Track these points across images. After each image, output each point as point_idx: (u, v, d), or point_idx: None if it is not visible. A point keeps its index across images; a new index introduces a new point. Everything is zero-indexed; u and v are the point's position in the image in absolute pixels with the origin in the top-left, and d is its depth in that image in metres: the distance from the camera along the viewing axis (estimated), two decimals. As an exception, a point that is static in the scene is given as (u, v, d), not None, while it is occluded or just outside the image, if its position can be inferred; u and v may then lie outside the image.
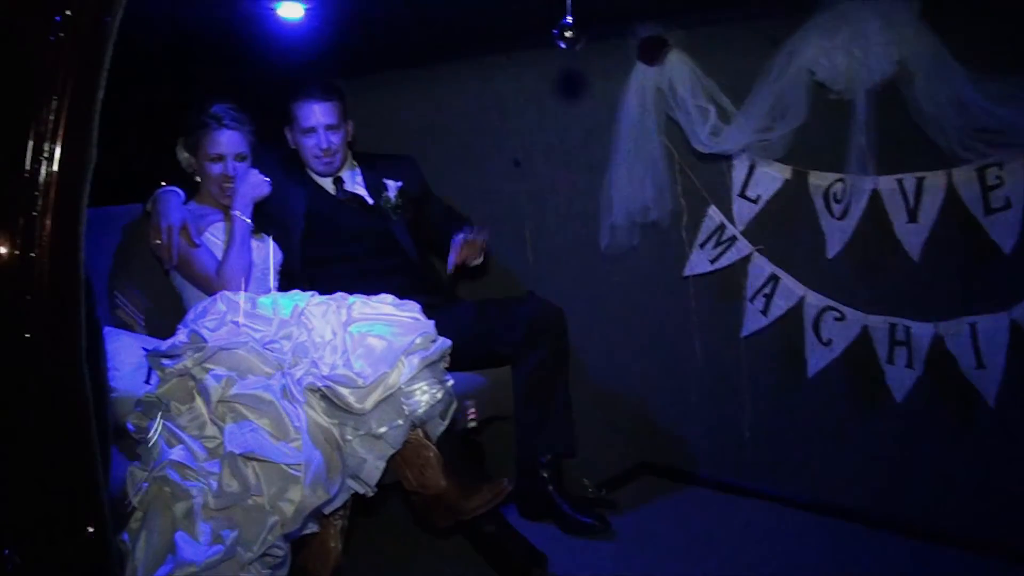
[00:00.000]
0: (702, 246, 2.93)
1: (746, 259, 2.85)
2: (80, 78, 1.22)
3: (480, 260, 3.00)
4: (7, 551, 1.15)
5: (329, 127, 3.01)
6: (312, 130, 3.01)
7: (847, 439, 2.75)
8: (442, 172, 3.39)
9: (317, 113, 3.00)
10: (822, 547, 2.64)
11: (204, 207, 2.83)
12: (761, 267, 2.82)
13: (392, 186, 3.09)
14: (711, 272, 2.94)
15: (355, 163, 3.17)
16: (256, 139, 2.87)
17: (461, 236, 2.90)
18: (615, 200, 2.97)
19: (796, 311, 2.76)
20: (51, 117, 1.21)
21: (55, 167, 1.21)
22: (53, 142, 1.21)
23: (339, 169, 3.11)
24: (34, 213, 1.19)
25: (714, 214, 2.89)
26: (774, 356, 2.87)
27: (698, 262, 2.95)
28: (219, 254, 2.72)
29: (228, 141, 2.78)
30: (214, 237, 2.76)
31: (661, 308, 3.10)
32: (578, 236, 3.19)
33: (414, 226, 3.13)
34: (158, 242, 2.64)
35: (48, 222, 1.21)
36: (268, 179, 2.85)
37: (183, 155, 2.86)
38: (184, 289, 2.73)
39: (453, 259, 2.90)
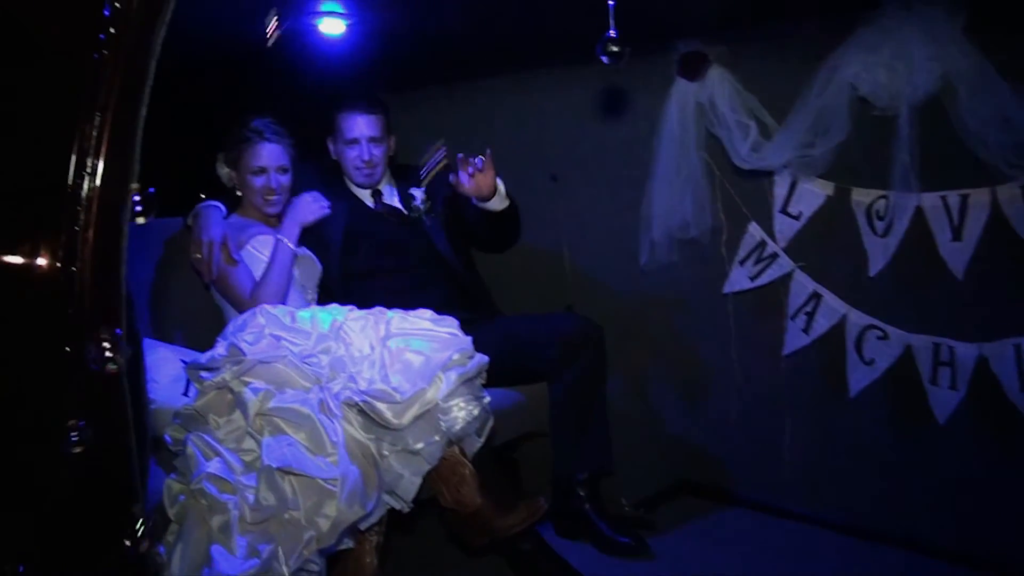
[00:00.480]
0: (742, 263, 2.90)
1: (787, 276, 2.81)
2: (123, 95, 1.24)
3: (506, 203, 2.98)
4: (21, 567, 1.16)
5: (372, 139, 3.05)
6: (355, 141, 3.05)
7: (888, 460, 2.70)
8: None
9: (361, 125, 3.04)
10: (862, 571, 2.59)
11: (246, 219, 2.87)
12: (803, 284, 2.78)
13: (416, 193, 3.11)
14: (751, 289, 2.90)
15: (392, 178, 3.20)
16: (296, 152, 2.91)
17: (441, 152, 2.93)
18: (654, 216, 2.96)
19: (838, 329, 2.72)
20: (94, 133, 1.23)
21: (97, 182, 1.23)
22: (96, 158, 1.23)
23: (379, 182, 3.14)
24: (76, 227, 1.21)
25: (755, 231, 2.86)
26: (815, 375, 2.82)
27: (738, 279, 2.92)
28: (260, 268, 2.75)
29: (270, 154, 2.83)
30: (255, 251, 2.78)
31: (700, 325, 3.07)
32: (617, 252, 3.18)
33: (453, 231, 3.14)
34: (198, 256, 2.68)
35: (90, 236, 1.22)
36: (327, 204, 2.89)
37: (223, 170, 2.91)
38: (224, 303, 2.76)
39: (465, 180, 2.89)
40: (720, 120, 2.76)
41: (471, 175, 2.89)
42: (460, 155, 2.90)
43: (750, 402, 3.00)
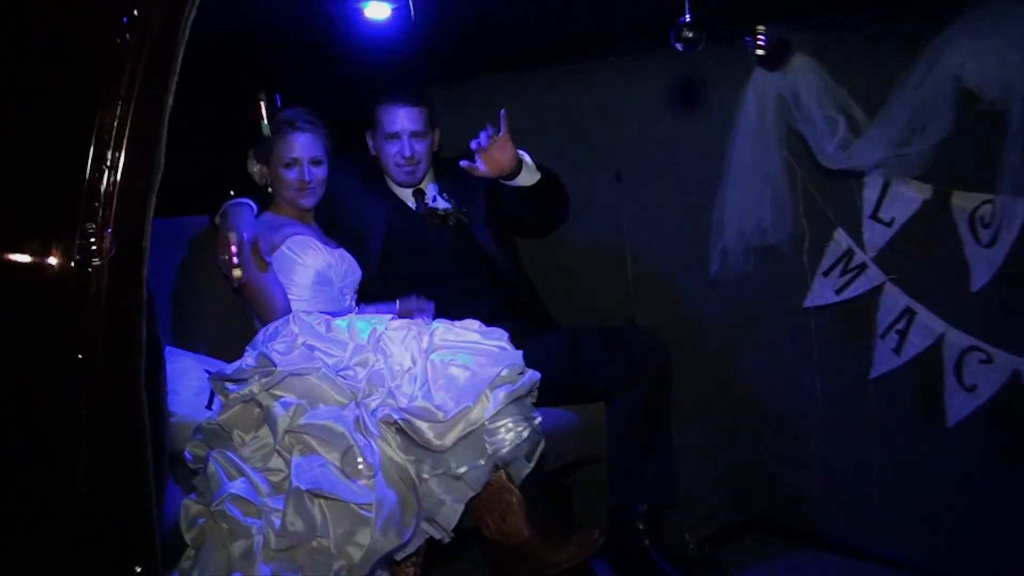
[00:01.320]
0: (826, 274, 2.86)
1: (877, 290, 2.77)
2: (148, 82, 1.26)
3: (538, 175, 2.94)
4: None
5: (415, 134, 3.06)
6: (396, 136, 3.06)
7: (992, 500, 2.63)
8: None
9: (403, 118, 3.05)
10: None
11: (280, 217, 2.90)
12: (895, 299, 2.74)
13: (435, 194, 3.12)
14: (836, 304, 2.86)
15: (436, 177, 3.20)
16: (332, 144, 2.93)
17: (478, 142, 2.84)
18: (728, 220, 2.92)
19: (935, 351, 2.66)
20: (115, 123, 1.24)
21: (118, 176, 1.24)
22: (117, 150, 1.24)
23: (421, 180, 3.15)
24: (93, 225, 1.22)
25: (841, 238, 2.82)
26: (908, 402, 2.77)
27: (821, 292, 2.88)
28: (294, 270, 2.76)
29: (303, 145, 2.86)
30: (291, 252, 2.79)
31: (777, 343, 3.04)
32: (685, 259, 3.16)
33: (499, 229, 3.13)
34: (225, 258, 2.70)
35: (109, 234, 1.24)
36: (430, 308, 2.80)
37: (254, 167, 2.94)
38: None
39: (481, 165, 2.85)
40: (804, 114, 2.72)
41: (484, 151, 2.85)
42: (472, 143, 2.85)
43: (832, 431, 2.95)
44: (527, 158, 2.94)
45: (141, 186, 1.25)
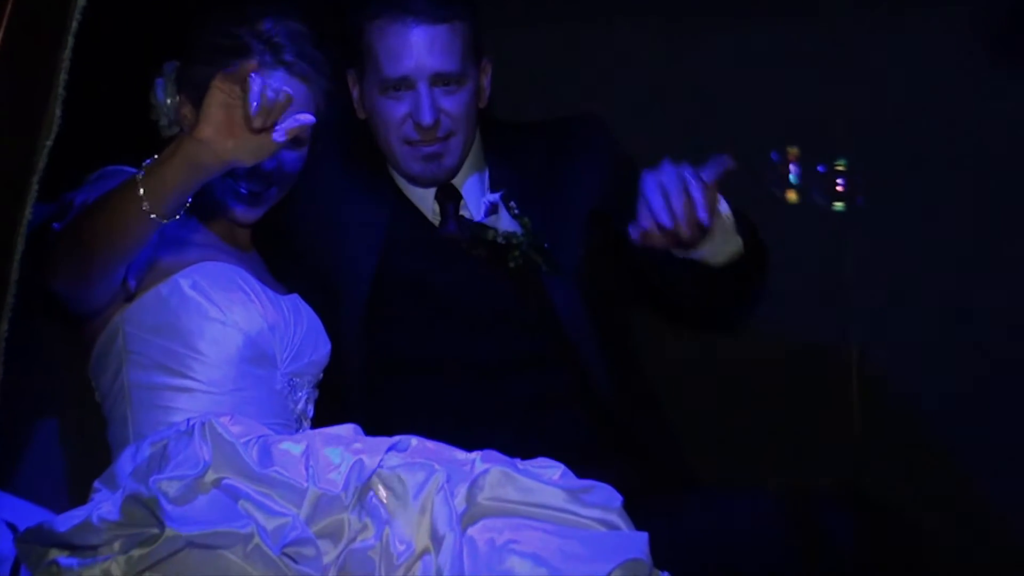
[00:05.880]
0: None
1: None
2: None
3: (738, 242, 2.87)
4: None
5: (439, 78, 3.04)
6: (405, 83, 3.04)
7: None
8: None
9: (418, 47, 3.03)
10: None
11: (194, 225, 2.86)
12: None
13: (487, 198, 3.13)
14: None
15: (484, 159, 3.20)
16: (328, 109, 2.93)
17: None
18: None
19: None
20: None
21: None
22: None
23: (455, 172, 3.16)
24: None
25: None
26: None
27: None
28: (203, 329, 2.70)
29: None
30: (197, 293, 2.73)
31: None
32: (973, 369, 3.21)
33: (601, 284, 3.13)
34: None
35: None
36: None
37: (165, 99, 2.92)
38: (108, 390, 2.78)
39: (663, 218, 2.62)
40: None
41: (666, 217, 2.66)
42: (650, 178, 2.66)
43: None
44: (725, 208, 2.81)
45: (15, 158, 1.27)
